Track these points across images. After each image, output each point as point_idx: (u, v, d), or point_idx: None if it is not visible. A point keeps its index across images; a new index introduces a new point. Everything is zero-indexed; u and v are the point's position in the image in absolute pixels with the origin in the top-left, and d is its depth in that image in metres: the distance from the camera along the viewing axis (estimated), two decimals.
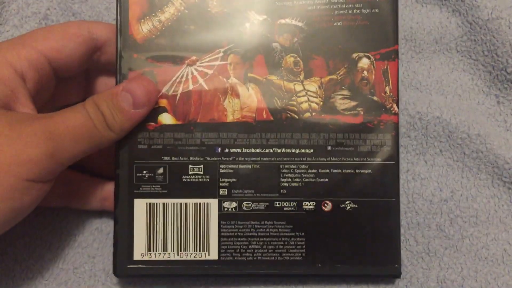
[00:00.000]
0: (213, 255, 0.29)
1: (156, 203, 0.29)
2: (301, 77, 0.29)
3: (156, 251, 0.29)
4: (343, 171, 0.29)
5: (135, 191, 0.29)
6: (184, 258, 0.29)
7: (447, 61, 0.34)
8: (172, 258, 0.29)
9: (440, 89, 0.34)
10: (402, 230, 0.31)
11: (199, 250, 0.29)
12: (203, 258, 0.29)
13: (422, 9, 0.35)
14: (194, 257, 0.29)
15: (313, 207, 0.29)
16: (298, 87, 0.29)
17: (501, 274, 0.31)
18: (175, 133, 0.29)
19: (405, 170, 0.32)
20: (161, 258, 0.29)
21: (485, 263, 0.31)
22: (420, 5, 0.35)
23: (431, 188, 0.32)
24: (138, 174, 0.29)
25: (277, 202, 0.29)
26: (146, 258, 0.29)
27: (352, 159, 0.29)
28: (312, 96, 0.29)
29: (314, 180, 0.29)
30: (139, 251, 0.29)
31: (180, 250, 0.29)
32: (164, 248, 0.29)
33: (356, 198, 0.29)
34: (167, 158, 0.29)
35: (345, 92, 0.29)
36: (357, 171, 0.29)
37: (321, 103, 0.29)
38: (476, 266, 0.31)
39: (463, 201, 0.32)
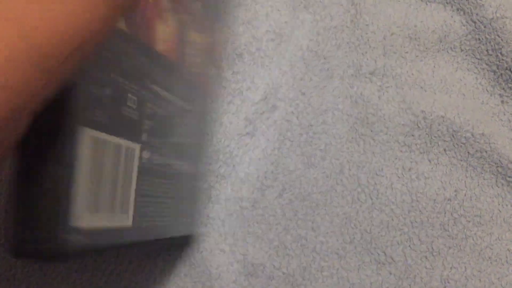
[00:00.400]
0: (129, 219, 0.22)
1: (106, 140, 0.20)
2: None
3: (101, 211, 0.20)
4: None
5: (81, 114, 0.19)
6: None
7: (451, 60, 0.34)
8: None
9: (444, 88, 0.34)
10: (406, 229, 0.31)
11: (116, 212, 0.22)
12: (122, 224, 0.22)
13: (427, 8, 0.35)
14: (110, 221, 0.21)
15: None
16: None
17: (505, 274, 0.30)
18: (124, 45, 0.22)
19: (409, 169, 0.32)
20: (109, 222, 0.21)
21: (489, 262, 0.31)
22: (424, 4, 0.35)
23: (435, 187, 0.32)
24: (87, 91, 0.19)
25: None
26: (89, 221, 0.20)
27: None
28: None
29: None
30: (81, 212, 0.19)
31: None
32: (112, 207, 0.21)
33: None
34: (115, 76, 0.21)
35: None
36: None
37: None
38: (480, 266, 0.31)
39: (467, 201, 0.32)
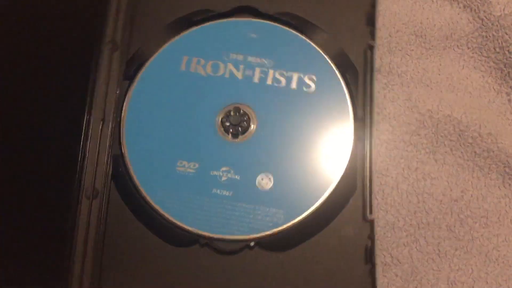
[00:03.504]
0: None
1: None
2: None
3: None
4: None
5: None
6: None
7: (458, 57, 0.34)
8: None
9: (450, 86, 0.33)
10: (412, 230, 0.30)
11: None
12: None
13: (433, 4, 0.34)
14: None
15: None
16: None
17: None
18: None
19: (415, 169, 0.31)
20: None
21: (496, 264, 0.30)
22: (430, 1, 0.34)
23: (441, 187, 0.31)
24: None
25: None
26: None
27: None
28: None
29: None
30: None
31: None
32: None
33: None
34: None
35: None
36: None
37: None
38: (486, 267, 0.30)
39: (473, 202, 0.31)
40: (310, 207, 0.28)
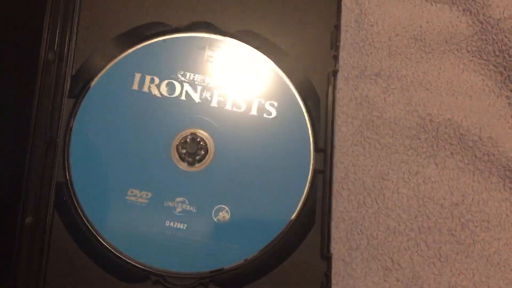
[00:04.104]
0: None
1: None
2: None
3: None
4: None
5: None
6: None
7: (458, 61, 0.33)
8: None
9: (450, 90, 0.33)
10: (413, 234, 0.30)
11: None
12: None
13: (432, 8, 0.34)
14: None
15: None
16: None
17: None
18: None
19: (415, 173, 0.31)
20: None
21: (497, 268, 0.30)
22: (430, 4, 0.34)
23: (442, 191, 0.31)
24: None
25: None
26: None
27: None
28: None
29: None
30: None
31: None
32: None
33: None
34: None
35: None
36: None
37: None
38: (488, 272, 0.30)
39: (474, 205, 0.31)
40: (266, 242, 0.26)
